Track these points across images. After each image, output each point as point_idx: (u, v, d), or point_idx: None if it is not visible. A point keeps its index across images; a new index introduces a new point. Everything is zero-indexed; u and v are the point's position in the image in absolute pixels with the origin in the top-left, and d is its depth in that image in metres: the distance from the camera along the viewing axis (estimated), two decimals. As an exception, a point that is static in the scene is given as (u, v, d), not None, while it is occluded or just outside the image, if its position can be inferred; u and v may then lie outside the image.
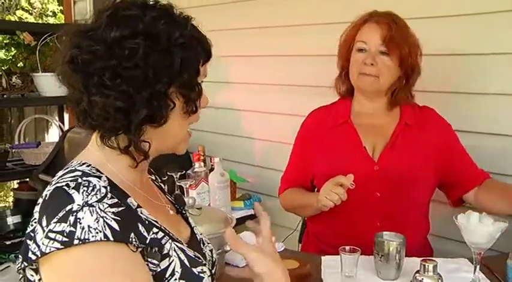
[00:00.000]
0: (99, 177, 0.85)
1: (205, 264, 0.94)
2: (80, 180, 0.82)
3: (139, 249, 0.82)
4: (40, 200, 0.83)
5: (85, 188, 0.80)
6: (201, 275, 0.91)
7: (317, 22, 2.26)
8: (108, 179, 0.86)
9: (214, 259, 1.08)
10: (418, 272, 1.29)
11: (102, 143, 0.88)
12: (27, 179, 2.85)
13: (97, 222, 0.77)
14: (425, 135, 1.62)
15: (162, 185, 1.12)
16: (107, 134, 0.86)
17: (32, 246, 0.78)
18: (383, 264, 1.36)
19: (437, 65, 1.88)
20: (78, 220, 0.76)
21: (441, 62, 1.92)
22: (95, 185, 0.82)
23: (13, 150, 2.96)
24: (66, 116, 3.59)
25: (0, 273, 2.67)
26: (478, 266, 1.30)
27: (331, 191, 1.45)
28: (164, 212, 1.00)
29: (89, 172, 0.85)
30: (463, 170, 1.64)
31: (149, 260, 0.84)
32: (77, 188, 0.80)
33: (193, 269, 0.90)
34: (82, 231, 0.75)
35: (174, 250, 0.89)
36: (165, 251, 0.87)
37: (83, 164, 0.87)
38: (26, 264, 0.81)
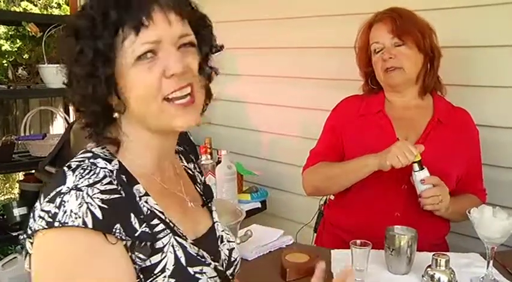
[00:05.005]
0: (110, 161, 0.83)
1: (208, 264, 0.88)
2: (86, 161, 0.81)
3: (124, 243, 0.78)
4: None
5: (81, 171, 0.79)
6: (197, 275, 0.85)
7: (327, 14, 2.23)
8: (119, 163, 0.84)
9: (232, 259, 0.99)
10: (429, 266, 1.27)
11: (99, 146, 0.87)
12: (33, 171, 2.85)
13: (79, 207, 0.74)
14: (457, 137, 1.62)
15: (200, 175, 1.08)
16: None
17: (31, 221, 0.79)
18: (394, 258, 1.35)
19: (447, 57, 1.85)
20: (63, 203, 0.75)
21: (451, 55, 1.88)
22: (96, 168, 0.80)
23: (19, 142, 2.94)
24: (71, 108, 3.58)
25: (7, 264, 2.68)
26: (491, 261, 1.29)
27: (405, 152, 1.43)
28: (180, 204, 0.95)
29: (100, 154, 0.84)
30: (468, 183, 1.65)
31: (136, 253, 0.79)
32: (74, 169, 0.80)
33: (189, 268, 0.84)
34: (63, 215, 0.74)
35: (172, 246, 0.84)
36: (159, 246, 0.82)
37: (100, 146, 0.86)
38: (25, 236, 0.81)
